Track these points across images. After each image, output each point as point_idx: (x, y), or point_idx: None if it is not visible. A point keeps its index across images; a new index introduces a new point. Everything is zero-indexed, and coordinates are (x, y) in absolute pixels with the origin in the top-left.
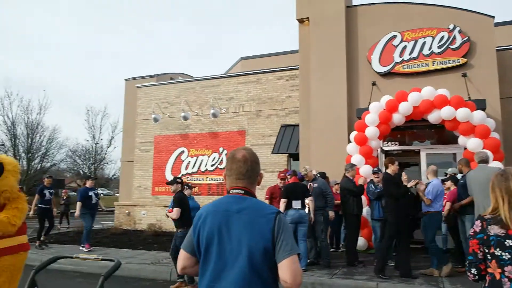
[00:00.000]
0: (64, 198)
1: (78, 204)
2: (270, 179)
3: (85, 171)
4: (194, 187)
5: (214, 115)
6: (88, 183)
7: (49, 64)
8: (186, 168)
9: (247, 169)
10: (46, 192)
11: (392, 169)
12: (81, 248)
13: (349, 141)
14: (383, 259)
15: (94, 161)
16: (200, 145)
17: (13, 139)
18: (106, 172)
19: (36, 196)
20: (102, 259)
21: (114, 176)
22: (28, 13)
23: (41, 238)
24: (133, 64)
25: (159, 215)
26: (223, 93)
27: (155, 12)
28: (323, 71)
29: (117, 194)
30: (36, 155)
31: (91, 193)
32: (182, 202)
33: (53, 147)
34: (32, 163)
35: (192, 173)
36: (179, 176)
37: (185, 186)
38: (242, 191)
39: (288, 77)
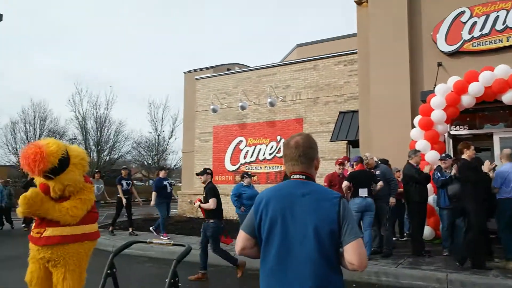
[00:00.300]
0: None
1: (153, 194)
2: (329, 167)
3: (149, 162)
4: (253, 176)
5: (271, 104)
6: (162, 174)
7: (114, 60)
8: (245, 157)
9: (299, 154)
10: (124, 182)
11: (468, 154)
12: (151, 229)
13: (413, 126)
14: (469, 249)
15: (157, 152)
16: (258, 134)
17: (84, 133)
18: (168, 162)
19: (118, 186)
20: (174, 244)
21: (176, 166)
22: (93, 14)
23: (129, 230)
24: (191, 56)
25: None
26: (280, 82)
27: (210, 4)
28: (383, 54)
29: (179, 184)
30: (104, 148)
31: (165, 182)
32: (215, 192)
33: (120, 139)
34: (101, 155)
35: (251, 162)
36: (217, 167)
37: (245, 175)
38: (304, 176)
39: (346, 62)
